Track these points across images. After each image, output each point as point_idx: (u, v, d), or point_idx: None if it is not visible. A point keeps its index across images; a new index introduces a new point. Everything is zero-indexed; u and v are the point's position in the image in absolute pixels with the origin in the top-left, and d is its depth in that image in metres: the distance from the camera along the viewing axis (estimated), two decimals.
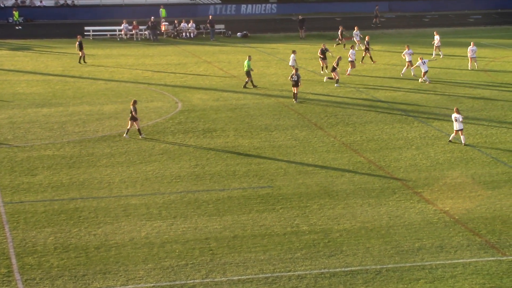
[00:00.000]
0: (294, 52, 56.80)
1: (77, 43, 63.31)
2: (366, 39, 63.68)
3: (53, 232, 28.83)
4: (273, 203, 32.02)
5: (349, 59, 58.10)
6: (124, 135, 40.96)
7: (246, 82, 53.59)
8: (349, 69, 57.95)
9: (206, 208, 31.35)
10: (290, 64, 56.17)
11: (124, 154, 38.31)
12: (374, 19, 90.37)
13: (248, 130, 42.90)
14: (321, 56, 58.93)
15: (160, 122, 43.85)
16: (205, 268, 26.08)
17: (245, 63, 53.44)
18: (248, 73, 53.40)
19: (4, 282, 24.96)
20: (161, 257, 26.87)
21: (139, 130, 40.85)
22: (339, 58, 55.17)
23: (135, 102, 40.84)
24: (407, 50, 57.41)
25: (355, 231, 29.15)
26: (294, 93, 49.41)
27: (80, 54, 63.07)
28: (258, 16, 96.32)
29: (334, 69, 54.27)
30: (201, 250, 27.44)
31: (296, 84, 49.14)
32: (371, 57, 63.38)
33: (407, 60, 57.42)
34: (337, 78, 54.28)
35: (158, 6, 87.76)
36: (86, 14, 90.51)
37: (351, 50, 58.30)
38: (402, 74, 57.66)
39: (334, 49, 67.98)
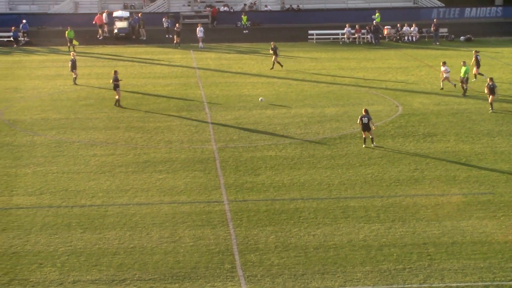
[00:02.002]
0: (444, 63, 54.88)
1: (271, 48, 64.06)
2: None
3: (274, 231, 29.75)
4: (494, 210, 31.44)
5: None
6: (364, 145, 40.49)
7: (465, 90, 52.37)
8: None
9: (425, 213, 31.26)
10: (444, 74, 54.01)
11: (344, 157, 38.81)
12: None
13: (469, 135, 42.24)
14: None
15: (380, 126, 44.00)
16: (423, 273, 26.06)
17: (463, 69, 52.08)
18: (465, 80, 52.00)
19: (228, 277, 26.07)
20: (379, 260, 27.11)
21: (371, 138, 40.84)
22: None
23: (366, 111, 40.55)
24: None
25: None
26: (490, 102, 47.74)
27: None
28: (483, 20, 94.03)
29: None
30: (419, 255, 27.44)
31: (493, 92, 47.47)
32: None
33: None
34: None
35: (381, 9, 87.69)
36: (310, 18, 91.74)
37: None
38: None
39: None
